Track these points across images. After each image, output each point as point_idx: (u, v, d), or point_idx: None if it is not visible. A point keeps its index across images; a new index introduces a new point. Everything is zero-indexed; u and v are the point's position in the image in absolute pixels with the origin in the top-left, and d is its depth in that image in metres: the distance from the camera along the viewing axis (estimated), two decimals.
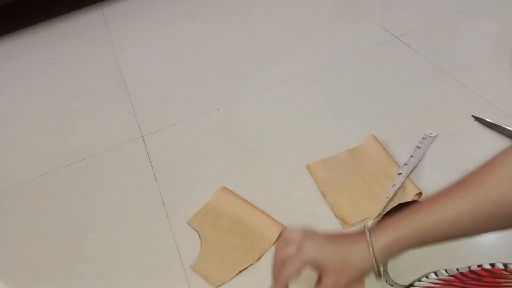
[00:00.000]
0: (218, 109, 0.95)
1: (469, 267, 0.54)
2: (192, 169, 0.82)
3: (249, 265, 0.64)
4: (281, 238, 0.50)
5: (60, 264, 0.71)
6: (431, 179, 0.71)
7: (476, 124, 0.79)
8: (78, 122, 0.99)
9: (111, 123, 0.97)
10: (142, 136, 0.92)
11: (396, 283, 0.52)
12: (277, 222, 0.68)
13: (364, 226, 0.47)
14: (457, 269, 0.54)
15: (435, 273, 0.54)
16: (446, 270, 0.55)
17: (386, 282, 0.52)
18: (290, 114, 0.90)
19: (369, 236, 0.45)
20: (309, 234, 0.48)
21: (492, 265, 0.53)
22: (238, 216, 0.71)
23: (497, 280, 0.51)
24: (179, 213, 0.74)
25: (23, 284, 0.69)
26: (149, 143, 0.90)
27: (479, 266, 0.54)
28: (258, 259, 0.65)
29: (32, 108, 1.07)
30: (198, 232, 0.71)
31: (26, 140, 0.98)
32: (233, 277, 0.64)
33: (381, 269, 0.47)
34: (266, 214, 0.70)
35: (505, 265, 0.52)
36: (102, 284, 0.67)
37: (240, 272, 0.64)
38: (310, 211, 0.71)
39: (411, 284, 0.51)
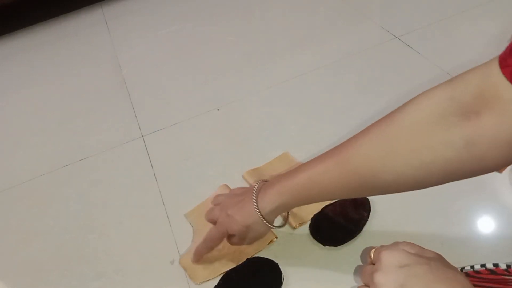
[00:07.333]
0: (218, 109, 0.95)
1: (471, 266, 0.54)
2: (192, 169, 0.82)
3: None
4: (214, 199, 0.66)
5: (60, 264, 0.71)
6: None
7: None
8: (78, 122, 0.99)
9: (111, 123, 0.97)
10: (142, 136, 0.92)
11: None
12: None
13: (252, 194, 0.56)
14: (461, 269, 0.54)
15: None
16: None
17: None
18: (290, 114, 0.90)
19: (257, 207, 0.55)
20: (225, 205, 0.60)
21: (496, 265, 0.53)
22: None
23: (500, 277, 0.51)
24: (179, 213, 0.74)
25: (23, 284, 0.69)
26: (149, 143, 0.90)
27: (483, 265, 0.53)
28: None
29: (32, 108, 1.07)
30: (192, 226, 0.71)
31: (26, 140, 0.98)
32: (215, 277, 0.64)
33: (273, 224, 0.58)
34: None
35: (508, 265, 0.52)
36: (102, 284, 0.67)
37: (223, 273, 0.64)
38: None
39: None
